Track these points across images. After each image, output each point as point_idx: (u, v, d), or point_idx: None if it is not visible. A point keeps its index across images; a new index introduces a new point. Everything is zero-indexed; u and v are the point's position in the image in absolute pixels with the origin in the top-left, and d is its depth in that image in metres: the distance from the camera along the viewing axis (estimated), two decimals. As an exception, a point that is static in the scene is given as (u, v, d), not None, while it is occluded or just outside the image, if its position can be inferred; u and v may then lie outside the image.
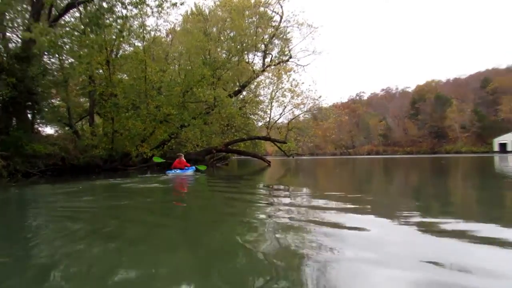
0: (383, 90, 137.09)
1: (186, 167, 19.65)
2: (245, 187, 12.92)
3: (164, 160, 23.34)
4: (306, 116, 34.36)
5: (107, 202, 9.22)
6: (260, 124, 35.15)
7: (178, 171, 18.92)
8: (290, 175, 19.99)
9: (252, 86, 34.25)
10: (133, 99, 25.11)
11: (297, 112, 32.01)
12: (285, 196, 9.66)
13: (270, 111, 32.01)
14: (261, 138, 33.01)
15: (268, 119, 32.34)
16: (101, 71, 24.86)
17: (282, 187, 12.34)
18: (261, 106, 33.40)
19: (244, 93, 34.69)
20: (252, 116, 34.77)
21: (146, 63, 24.83)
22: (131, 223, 6.64)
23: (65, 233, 5.72)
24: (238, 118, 29.38)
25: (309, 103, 31.56)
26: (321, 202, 8.24)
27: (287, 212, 7.05)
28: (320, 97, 38.10)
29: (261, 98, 34.08)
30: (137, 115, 24.89)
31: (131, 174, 20.24)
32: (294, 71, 32.54)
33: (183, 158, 20.08)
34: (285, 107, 31.67)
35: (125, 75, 27.52)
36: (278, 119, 32.83)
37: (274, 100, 31.70)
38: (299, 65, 32.70)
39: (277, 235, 5.38)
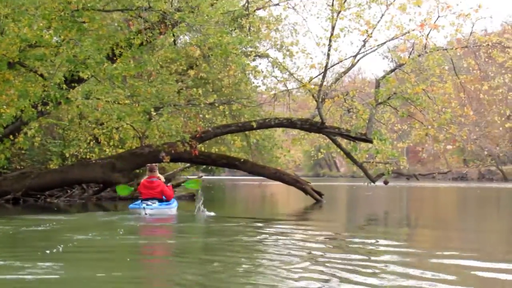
0: None
1: (165, 201, 9.88)
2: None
3: (132, 188, 11.78)
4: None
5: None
6: (290, 86, 13.97)
7: (154, 205, 9.42)
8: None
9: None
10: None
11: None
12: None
13: (330, 43, 12.64)
14: (303, 127, 13.60)
15: (317, 71, 13.31)
16: None
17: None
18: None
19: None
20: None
21: None
22: None
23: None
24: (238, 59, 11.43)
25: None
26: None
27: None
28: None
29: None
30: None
31: None
32: None
33: (156, 172, 10.17)
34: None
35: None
36: (349, 69, 13.95)
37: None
38: None
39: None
